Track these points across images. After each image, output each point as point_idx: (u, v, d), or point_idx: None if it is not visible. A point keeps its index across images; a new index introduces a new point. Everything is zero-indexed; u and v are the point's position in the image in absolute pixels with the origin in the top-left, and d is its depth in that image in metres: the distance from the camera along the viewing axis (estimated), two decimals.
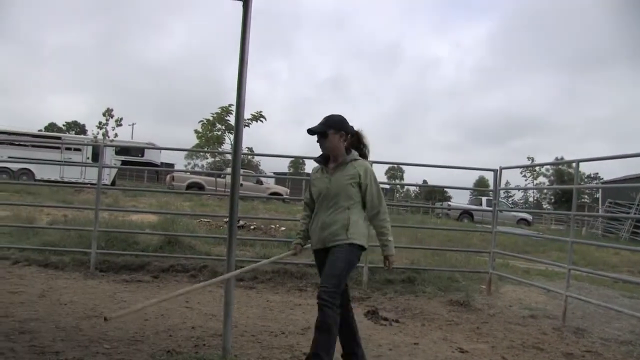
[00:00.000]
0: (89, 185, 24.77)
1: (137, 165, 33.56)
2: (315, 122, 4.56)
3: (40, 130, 52.37)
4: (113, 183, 31.02)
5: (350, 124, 4.61)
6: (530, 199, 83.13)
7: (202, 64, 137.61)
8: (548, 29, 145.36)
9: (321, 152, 4.62)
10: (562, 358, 5.64)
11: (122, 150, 33.37)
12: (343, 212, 4.44)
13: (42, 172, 29.82)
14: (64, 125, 77.28)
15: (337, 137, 4.48)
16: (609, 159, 7.96)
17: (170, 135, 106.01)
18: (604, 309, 7.92)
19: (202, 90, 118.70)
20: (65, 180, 29.63)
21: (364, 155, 4.80)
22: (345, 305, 4.55)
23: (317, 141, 4.54)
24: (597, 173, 74.73)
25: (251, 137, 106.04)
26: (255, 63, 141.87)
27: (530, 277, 10.72)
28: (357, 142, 4.78)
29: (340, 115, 4.59)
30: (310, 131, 4.48)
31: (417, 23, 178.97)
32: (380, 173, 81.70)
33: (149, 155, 36.69)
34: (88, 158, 30.41)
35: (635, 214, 30.24)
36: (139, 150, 36.49)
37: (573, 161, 7.98)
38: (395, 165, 72.94)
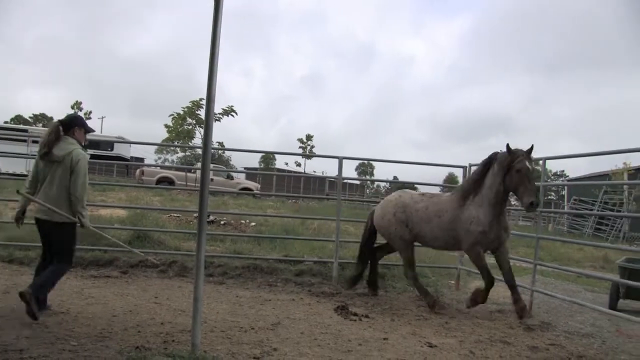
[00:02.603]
0: None
1: (107, 159, 33.12)
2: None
3: (7, 122, 51.26)
4: None
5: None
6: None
7: (177, 58, 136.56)
8: (520, 32, 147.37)
9: None
10: (527, 351, 5.74)
11: (91, 144, 32.79)
12: None
13: (7, 165, 29.17)
14: (30, 117, 75.78)
15: None
16: (575, 157, 8.11)
17: (142, 129, 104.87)
18: (568, 303, 8.09)
19: (176, 85, 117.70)
20: None
21: None
22: None
23: None
24: (564, 171, 76.09)
25: (224, 132, 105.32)
26: (233, 61, 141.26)
27: (498, 272, 10.85)
28: None
29: None
30: None
31: (393, 21, 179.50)
32: (350, 169, 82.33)
33: (119, 149, 36.24)
34: None
35: (598, 210, 30.87)
36: (108, 144, 36.00)
37: (540, 159, 8.10)
38: (366, 162, 73.21)
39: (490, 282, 7.23)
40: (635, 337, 6.77)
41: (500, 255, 7.45)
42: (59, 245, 5.76)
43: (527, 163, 6.75)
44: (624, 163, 31.32)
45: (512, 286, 7.21)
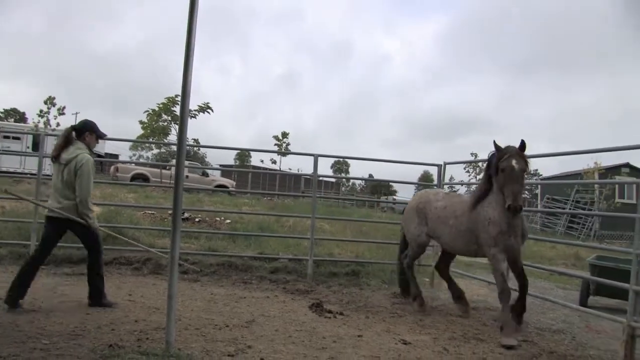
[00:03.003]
0: (28, 175, 23.94)
1: None
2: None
3: None
4: None
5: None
6: None
7: (153, 54, 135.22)
8: (493, 33, 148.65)
9: None
10: (500, 348, 5.81)
11: None
12: None
13: None
14: (1, 112, 74.42)
15: None
16: (547, 156, 8.22)
17: (117, 126, 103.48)
18: (540, 300, 8.21)
19: (152, 81, 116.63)
20: (3, 169, 28.47)
21: None
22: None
23: None
24: (537, 170, 76.89)
25: (201, 129, 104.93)
26: (209, 58, 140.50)
27: (473, 270, 10.97)
28: None
29: None
30: None
31: (368, 20, 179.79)
32: (326, 167, 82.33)
33: None
34: (28, 147, 29.33)
35: (570, 209, 31.33)
36: None
37: None
38: (341, 159, 73.24)
39: (503, 290, 6.34)
40: (603, 333, 6.93)
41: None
42: (84, 239, 6.38)
43: (512, 161, 6.19)
44: (595, 163, 31.80)
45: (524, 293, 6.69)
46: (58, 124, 34.42)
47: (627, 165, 34.33)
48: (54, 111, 36.80)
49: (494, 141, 6.50)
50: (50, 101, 36.97)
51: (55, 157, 6.16)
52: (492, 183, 6.61)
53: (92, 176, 6.15)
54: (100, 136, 6.53)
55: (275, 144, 58.95)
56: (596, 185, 32.18)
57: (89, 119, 6.54)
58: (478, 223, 6.66)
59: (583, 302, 8.55)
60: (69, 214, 6.08)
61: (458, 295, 7.69)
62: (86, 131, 6.33)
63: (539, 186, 43.47)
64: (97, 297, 6.26)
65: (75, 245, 8.95)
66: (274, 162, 60.71)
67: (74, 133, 6.30)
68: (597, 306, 7.15)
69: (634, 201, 31.14)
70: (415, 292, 7.67)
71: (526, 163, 6.32)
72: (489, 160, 6.71)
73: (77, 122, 6.55)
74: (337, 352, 5.15)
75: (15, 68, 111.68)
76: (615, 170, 33.21)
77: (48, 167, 23.92)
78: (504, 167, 6.24)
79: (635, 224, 5.76)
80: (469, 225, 6.84)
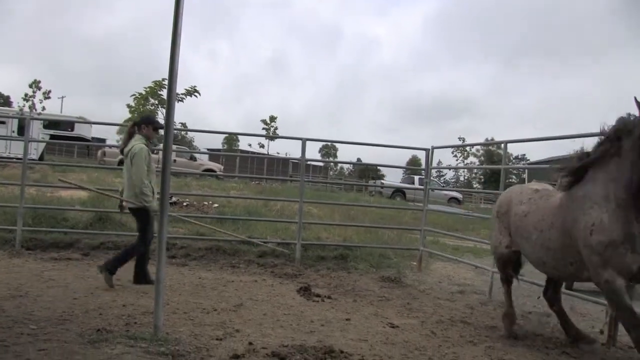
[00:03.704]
0: (14, 160, 23.74)
1: (67, 139, 32.35)
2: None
3: None
4: (41, 158, 29.72)
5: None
6: (461, 178, 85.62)
7: (140, 38, 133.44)
8: (484, 19, 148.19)
9: None
10: (486, 331, 5.86)
11: (50, 124, 31.88)
12: None
13: None
14: None
15: None
16: (535, 140, 8.25)
17: (104, 110, 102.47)
18: (527, 284, 8.27)
19: (139, 65, 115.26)
20: None
21: None
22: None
23: None
24: (525, 154, 77.32)
25: (188, 113, 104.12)
26: (198, 42, 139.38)
27: (460, 254, 11.05)
28: None
29: None
30: None
31: (358, 3, 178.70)
32: (314, 150, 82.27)
33: (80, 130, 35.42)
34: (13, 131, 28.98)
35: None
36: (69, 124, 35.15)
37: (502, 142, 8.25)
38: (330, 143, 73.25)
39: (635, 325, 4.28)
40: (588, 315, 7.03)
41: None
42: (138, 228, 6.90)
43: None
44: (581, 148, 32.03)
45: None
46: (44, 108, 34.17)
47: None
48: (39, 95, 36.49)
49: (635, 98, 4.28)
50: (35, 85, 36.65)
51: (122, 152, 6.92)
52: (609, 166, 4.52)
53: (145, 163, 6.63)
54: (157, 127, 7.07)
55: (264, 128, 58.91)
56: None
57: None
58: (577, 231, 4.56)
59: (569, 285, 8.63)
60: (133, 201, 6.72)
61: (574, 335, 5.54)
62: (142, 124, 6.98)
63: (526, 171, 43.71)
64: (113, 264, 6.61)
65: (62, 229, 8.95)
66: (262, 146, 60.73)
67: (135, 127, 6.99)
68: (582, 289, 7.21)
69: None
70: (506, 310, 5.86)
71: None
72: (624, 130, 4.45)
73: (136, 118, 7.46)
74: (325, 336, 5.17)
75: (2, 51, 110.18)
76: None
77: (33, 152, 23.72)
78: None
79: None
80: (561, 238, 4.81)
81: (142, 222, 6.80)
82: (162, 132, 5.85)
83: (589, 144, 5.03)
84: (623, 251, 4.21)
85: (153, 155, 7.10)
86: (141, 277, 6.85)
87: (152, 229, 6.82)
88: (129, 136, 6.93)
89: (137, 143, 6.76)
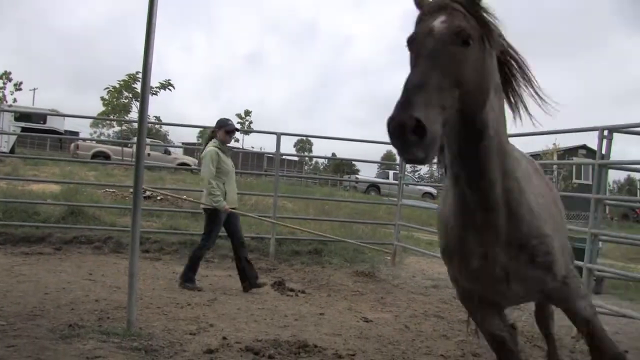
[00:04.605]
0: None
1: (39, 132, 31.83)
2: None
3: None
4: (12, 151, 29.23)
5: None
6: (436, 174, 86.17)
7: (114, 30, 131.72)
8: None
9: None
10: (459, 325, 5.91)
11: (22, 116, 31.27)
12: None
13: None
14: None
15: None
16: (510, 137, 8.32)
17: (77, 103, 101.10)
18: None
19: (113, 57, 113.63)
20: None
21: None
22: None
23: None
24: None
25: (164, 108, 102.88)
26: (173, 35, 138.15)
27: (434, 248, 11.10)
28: None
29: None
30: None
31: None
32: (289, 145, 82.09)
33: (52, 123, 34.85)
34: None
35: None
36: (41, 117, 34.58)
37: None
38: (304, 138, 73.12)
39: None
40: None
41: None
42: (204, 228, 7.09)
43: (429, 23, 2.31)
44: (554, 144, 32.44)
45: None
46: (15, 100, 33.43)
47: (584, 147, 35.14)
48: (10, 87, 35.69)
49: None
50: (6, 76, 35.82)
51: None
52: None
53: (212, 165, 6.77)
54: (228, 130, 7.22)
55: (238, 122, 58.53)
56: (555, 166, 32.86)
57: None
58: None
59: None
60: (204, 202, 6.97)
61: None
62: (216, 129, 7.18)
63: None
64: (186, 275, 6.73)
65: (33, 224, 8.83)
66: (237, 140, 60.32)
67: (214, 132, 7.23)
68: None
69: (590, 182, 31.94)
70: None
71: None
72: None
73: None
74: (299, 330, 5.18)
75: None
76: (572, 151, 33.98)
77: (4, 144, 23.29)
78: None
79: (591, 204, 5.92)
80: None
81: (209, 223, 6.92)
82: (136, 125, 5.79)
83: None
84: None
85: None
86: (252, 283, 6.84)
87: (218, 233, 6.99)
88: (208, 140, 7.24)
89: (208, 147, 7.00)
